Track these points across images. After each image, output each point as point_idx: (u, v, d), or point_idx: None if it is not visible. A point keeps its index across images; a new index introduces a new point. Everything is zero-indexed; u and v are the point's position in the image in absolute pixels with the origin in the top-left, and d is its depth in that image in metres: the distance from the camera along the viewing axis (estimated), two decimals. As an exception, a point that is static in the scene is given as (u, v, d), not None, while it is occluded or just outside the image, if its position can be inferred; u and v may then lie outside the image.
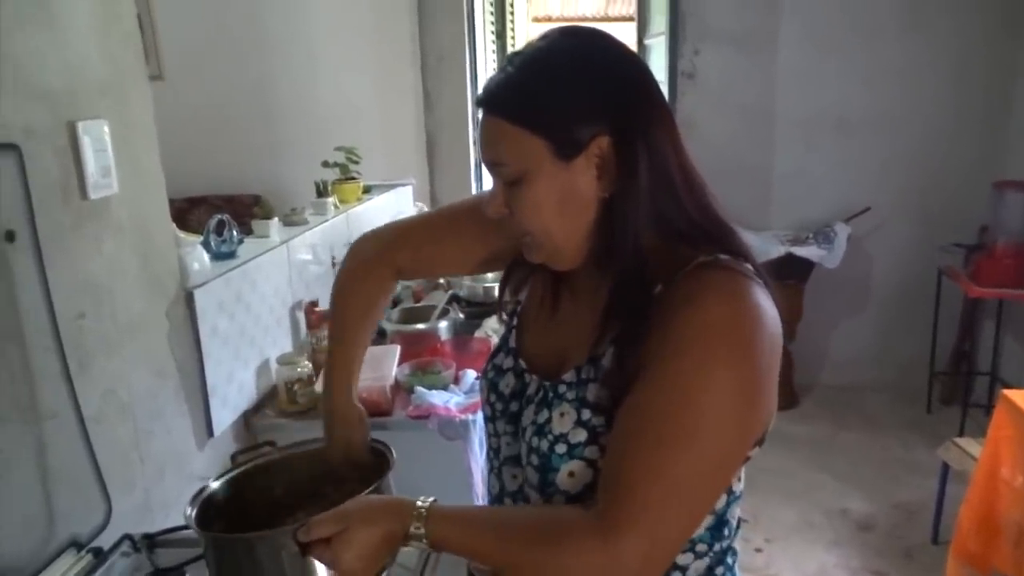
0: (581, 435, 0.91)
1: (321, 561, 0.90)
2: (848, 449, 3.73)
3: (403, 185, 3.46)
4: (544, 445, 0.93)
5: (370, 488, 1.03)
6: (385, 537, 0.88)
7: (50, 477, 1.27)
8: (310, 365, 2.09)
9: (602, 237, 0.92)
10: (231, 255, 2.05)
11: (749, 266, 0.91)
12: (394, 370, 2.11)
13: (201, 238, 1.87)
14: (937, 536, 2.96)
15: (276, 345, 2.20)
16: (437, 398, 1.96)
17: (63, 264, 1.36)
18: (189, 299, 1.77)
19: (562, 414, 0.93)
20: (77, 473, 1.34)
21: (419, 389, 2.00)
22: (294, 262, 2.33)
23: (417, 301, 2.82)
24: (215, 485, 1.13)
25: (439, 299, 2.63)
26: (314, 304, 2.32)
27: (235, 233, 2.08)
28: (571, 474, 0.92)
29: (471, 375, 2.10)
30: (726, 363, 0.82)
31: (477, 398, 2.00)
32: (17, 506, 1.20)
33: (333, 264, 2.61)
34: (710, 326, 0.83)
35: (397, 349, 2.21)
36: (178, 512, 1.68)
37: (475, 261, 1.17)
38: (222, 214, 2.07)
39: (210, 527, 1.06)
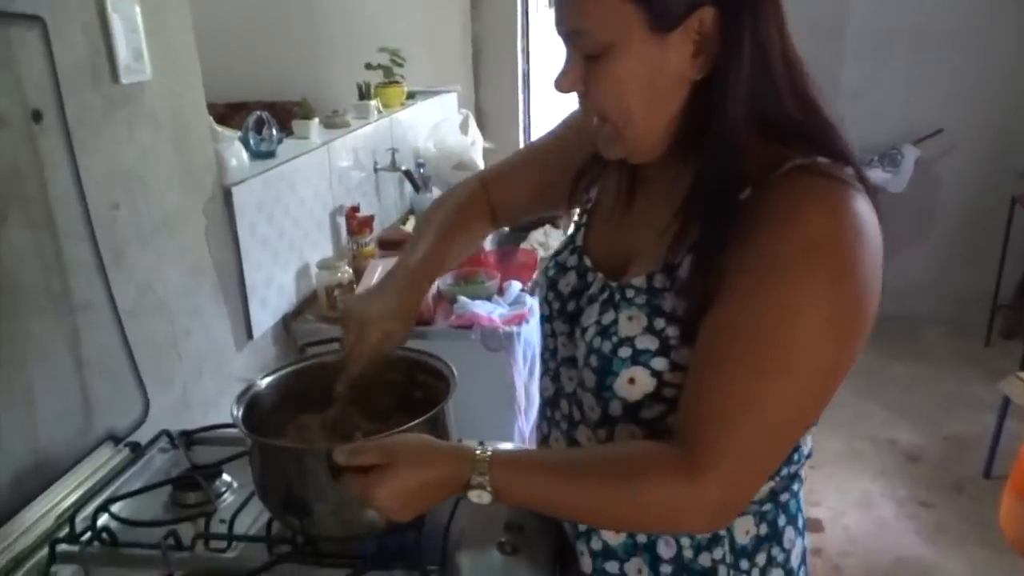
0: (650, 343, 0.83)
1: (348, 492, 0.83)
2: (900, 380, 3.61)
3: (448, 92, 3.33)
4: (606, 347, 0.85)
5: (430, 414, 0.95)
6: (435, 483, 0.81)
7: (86, 368, 1.24)
8: (351, 271, 2.04)
9: (689, 126, 0.81)
10: (270, 154, 1.98)
11: (850, 170, 0.79)
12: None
13: (239, 133, 1.79)
14: (990, 470, 2.87)
15: (316, 249, 2.14)
16: (480, 308, 1.89)
17: (94, 150, 1.29)
18: (227, 197, 1.71)
19: (630, 318, 0.85)
20: (113, 366, 1.31)
21: (462, 298, 1.93)
22: (335, 166, 2.25)
23: (460, 212, 2.73)
24: (263, 383, 1.08)
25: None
26: (355, 209, 2.25)
27: (274, 132, 1.99)
28: (631, 380, 0.84)
29: (516, 287, 2.03)
30: (826, 283, 0.74)
31: (522, 310, 1.93)
32: (53, 396, 1.18)
33: (375, 170, 2.53)
34: (810, 242, 0.74)
35: (439, 258, 2.13)
36: (217, 411, 1.67)
37: (565, 188, 1.06)
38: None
39: (256, 426, 1.02)
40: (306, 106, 2.25)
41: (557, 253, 1.03)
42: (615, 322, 0.86)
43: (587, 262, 0.97)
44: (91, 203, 1.26)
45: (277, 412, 1.09)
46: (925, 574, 2.47)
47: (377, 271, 2.03)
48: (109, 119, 1.34)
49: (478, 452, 0.81)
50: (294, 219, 2.01)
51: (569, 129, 1.08)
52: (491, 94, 4.21)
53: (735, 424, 0.75)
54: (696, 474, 0.75)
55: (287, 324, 2.00)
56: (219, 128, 1.70)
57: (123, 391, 1.32)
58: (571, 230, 1.05)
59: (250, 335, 1.81)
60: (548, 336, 1.02)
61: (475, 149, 2.94)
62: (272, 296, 1.91)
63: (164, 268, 1.49)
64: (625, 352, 0.84)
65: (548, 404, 1.03)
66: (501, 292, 2.02)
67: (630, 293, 0.87)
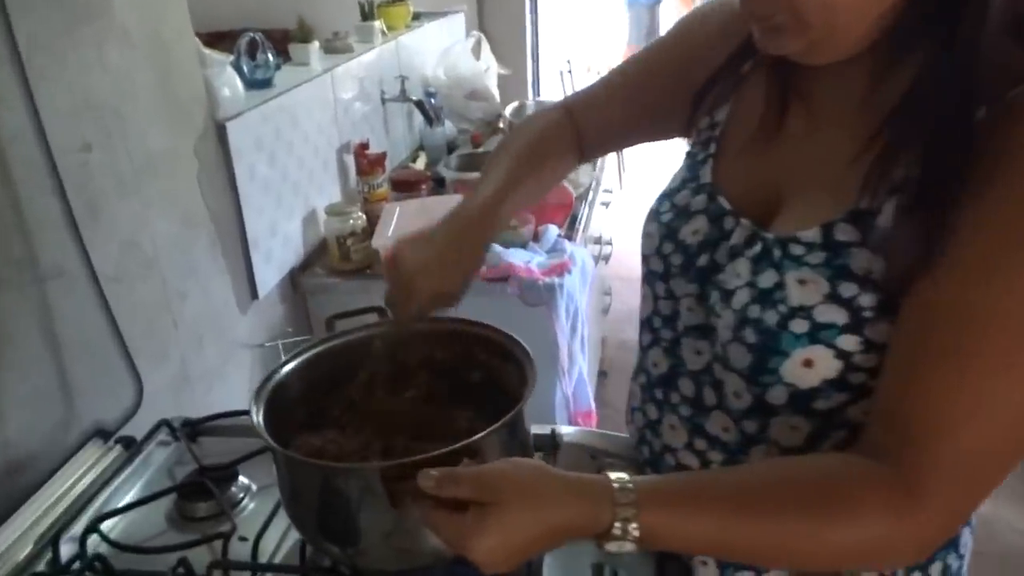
0: (837, 315, 0.61)
1: (438, 533, 0.61)
2: None
3: (454, 13, 3.01)
4: (770, 318, 0.64)
5: (510, 415, 0.73)
6: (558, 530, 0.59)
7: (63, 349, 1.01)
8: (363, 216, 1.79)
9: (914, 14, 0.58)
10: (267, 83, 1.70)
11: None
12: (461, 224, 1.80)
13: (231, 57, 1.52)
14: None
15: (323, 193, 1.89)
16: (516, 257, 1.66)
17: (55, 78, 1.03)
18: (221, 133, 1.45)
19: (802, 281, 0.63)
20: (96, 343, 1.08)
21: (494, 247, 1.69)
22: (339, 98, 1.97)
23: (477, 146, 2.47)
24: (285, 370, 0.85)
25: (504, 143, 2.27)
26: (364, 146, 1.99)
27: (270, 56, 1.72)
28: (808, 363, 0.63)
29: (552, 232, 1.79)
30: None
31: (562, 258, 1.70)
32: (24, 385, 0.95)
33: (383, 101, 2.25)
34: None
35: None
36: (222, 384, 1.45)
37: (677, 108, 0.84)
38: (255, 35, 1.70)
39: (284, 425, 0.81)
40: (304, 27, 1.96)
41: (670, 193, 0.81)
42: (780, 286, 0.65)
43: (723, 203, 0.75)
44: (55, 145, 1.01)
45: (302, 404, 0.88)
46: None
47: (394, 216, 1.79)
48: (71, 39, 1.07)
49: (616, 485, 0.59)
50: (298, 158, 1.75)
51: (684, 38, 0.84)
52: (496, 16, 3.87)
53: (966, 436, 0.57)
54: (915, 504, 0.58)
55: (295, 280, 1.77)
56: (207, 51, 1.43)
57: (110, 373, 1.09)
58: (687, 161, 0.82)
59: (255, 294, 1.58)
60: (661, 298, 0.81)
61: (489, 76, 2.65)
62: (277, 248, 1.67)
63: (151, 221, 1.25)
64: (801, 326, 0.63)
65: (660, 383, 0.82)
66: (536, 238, 1.79)
67: (798, 250, 0.65)
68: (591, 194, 2.20)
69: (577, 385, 1.76)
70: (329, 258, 1.80)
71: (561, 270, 1.64)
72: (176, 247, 1.32)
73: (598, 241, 2.35)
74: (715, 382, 0.74)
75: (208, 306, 1.42)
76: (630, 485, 0.60)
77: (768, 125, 0.72)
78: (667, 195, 0.81)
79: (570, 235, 1.88)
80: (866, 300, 0.60)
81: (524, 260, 1.66)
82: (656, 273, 0.81)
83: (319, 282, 1.78)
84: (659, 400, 0.83)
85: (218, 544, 0.84)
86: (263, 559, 0.86)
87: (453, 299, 0.84)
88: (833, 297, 0.61)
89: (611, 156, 3.73)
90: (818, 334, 0.62)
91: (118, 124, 1.16)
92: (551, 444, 0.98)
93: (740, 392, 0.71)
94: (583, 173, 2.24)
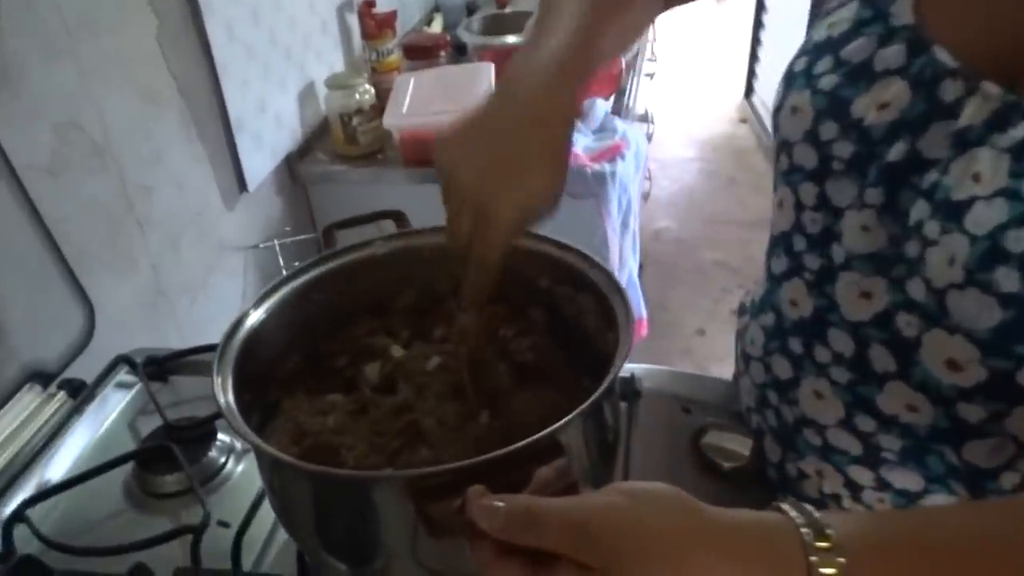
0: None
1: None
2: None
3: None
4: None
5: (602, 387, 0.48)
6: None
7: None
8: (372, 90, 1.49)
9: None
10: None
11: None
12: (489, 98, 1.49)
13: None
14: None
15: (322, 61, 1.58)
16: (558, 139, 1.35)
17: None
18: (186, -20, 1.14)
19: None
20: (26, 259, 0.82)
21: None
22: (336, -60, 1.62)
23: (502, 6, 2.11)
24: (264, 307, 0.60)
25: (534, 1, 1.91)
26: (370, 4, 1.65)
27: None
28: None
29: (600, 107, 1.48)
30: None
31: (613, 140, 1.40)
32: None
33: (389, -52, 1.88)
34: None
35: (490, 69, 1.56)
36: (207, 296, 1.20)
37: None
38: None
39: (266, 382, 0.57)
40: None
41: (832, 44, 0.53)
42: None
43: (941, 56, 0.47)
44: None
45: (293, 350, 0.63)
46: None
47: (408, 89, 1.48)
48: None
49: (804, 529, 0.35)
50: (289, 17, 1.43)
51: None
52: None
53: None
54: None
55: (292, 168, 1.49)
56: None
57: (47, 296, 0.84)
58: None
59: (243, 186, 1.31)
60: (810, 208, 0.56)
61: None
62: (268, 129, 1.38)
63: (95, 95, 0.96)
64: None
65: (799, 330, 0.58)
66: (580, 114, 1.48)
67: None
68: (638, 62, 1.87)
69: (628, 290, 1.50)
70: (332, 141, 1.51)
71: (612, 154, 1.35)
72: (135, 129, 1.04)
73: (644, 119, 2.03)
74: (896, 340, 0.50)
75: (184, 202, 1.16)
76: (828, 528, 0.36)
77: None
78: (825, 47, 0.53)
79: (617, 111, 1.57)
80: None
81: (568, 142, 1.36)
82: (803, 169, 0.55)
83: (321, 170, 1.49)
84: (796, 355, 0.58)
85: (188, 540, 0.61)
86: (250, 556, 0.63)
87: (548, 213, 0.55)
88: None
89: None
90: None
91: (34, -42, 0.86)
92: (630, 393, 0.73)
93: (965, 362, 0.46)
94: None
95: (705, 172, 3.25)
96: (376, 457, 0.56)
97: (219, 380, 0.51)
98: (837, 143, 0.52)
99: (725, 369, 0.80)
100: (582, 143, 1.38)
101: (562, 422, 0.45)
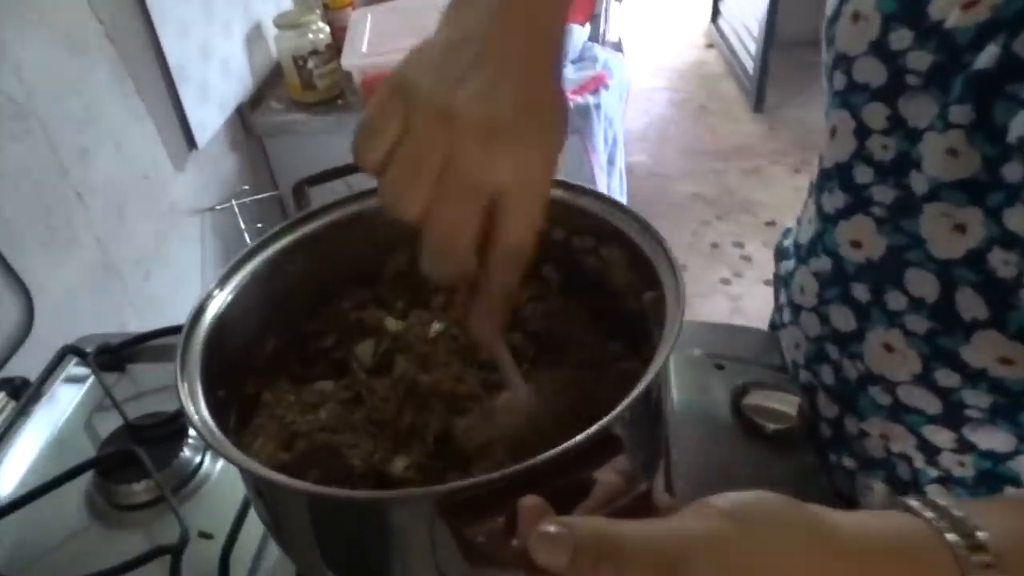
0: None
1: None
2: None
3: None
4: None
5: (654, 367, 0.39)
6: None
7: None
8: (326, 29, 1.35)
9: None
10: None
11: None
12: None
13: None
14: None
15: (268, -1, 1.43)
16: (535, 72, 1.24)
17: None
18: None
19: None
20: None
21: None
22: None
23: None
24: (222, 296, 0.50)
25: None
26: (315, -68, 1.50)
27: None
28: None
29: (579, 33, 1.37)
30: None
31: (594, 69, 1.29)
32: None
33: None
34: None
35: None
36: (162, 268, 1.09)
37: None
38: None
39: (242, 369, 0.47)
40: None
41: None
42: None
43: None
44: None
45: (269, 332, 0.54)
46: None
47: (366, 27, 1.35)
48: None
49: (951, 537, 0.28)
50: (226, -50, 1.28)
51: None
52: None
53: None
54: None
55: (246, 119, 1.36)
56: None
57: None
58: None
59: (192, 143, 1.18)
60: (878, 132, 0.48)
61: None
62: (214, 78, 1.24)
63: (8, 43, 0.83)
64: None
65: (865, 274, 0.51)
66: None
67: None
68: (609, -15, 1.74)
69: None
70: (287, 88, 1.38)
71: (596, 85, 1.25)
72: (60, 84, 0.91)
73: (618, 47, 1.92)
74: (989, 282, 0.42)
75: (126, 165, 1.03)
76: (980, 532, 0.28)
77: None
78: None
79: (594, 38, 1.45)
80: None
81: (546, 75, 1.25)
82: (867, 87, 0.47)
83: (277, 120, 1.37)
84: (862, 303, 0.51)
85: (167, 563, 0.53)
86: (240, 570, 0.55)
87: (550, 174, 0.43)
88: None
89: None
90: None
91: None
92: (654, 352, 0.65)
93: None
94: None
95: (674, 102, 3.15)
96: (385, 450, 0.47)
97: (185, 387, 0.41)
98: (912, 53, 0.44)
99: (708, 304, 0.72)
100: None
101: (622, 407, 0.37)
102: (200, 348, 0.45)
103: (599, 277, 0.54)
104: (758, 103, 2.92)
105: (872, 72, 0.46)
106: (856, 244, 0.50)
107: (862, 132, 0.48)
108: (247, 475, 0.43)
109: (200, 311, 0.47)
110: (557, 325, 0.54)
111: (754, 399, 0.60)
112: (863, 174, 0.49)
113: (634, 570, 0.27)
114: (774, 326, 0.70)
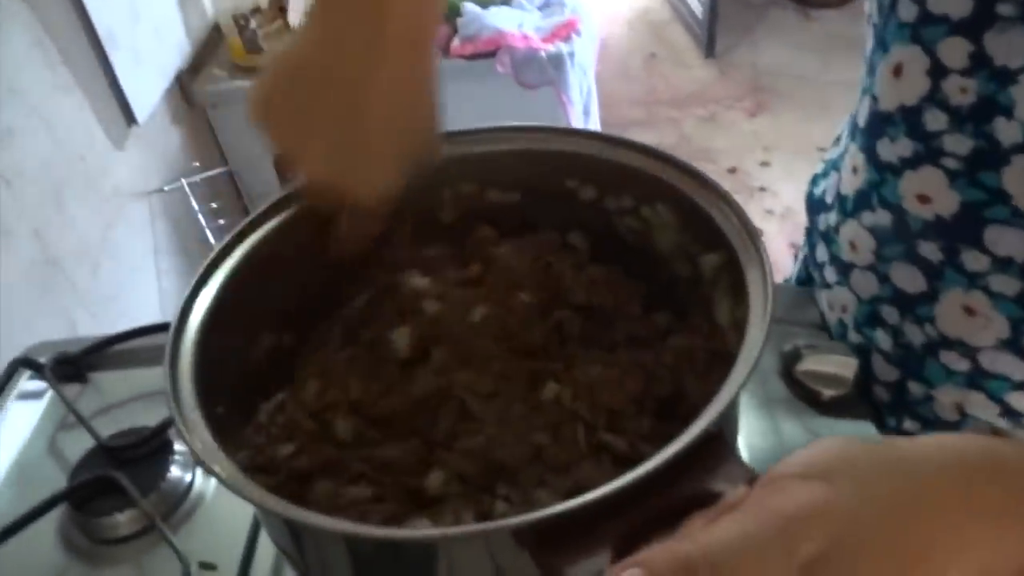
0: None
1: None
2: None
3: None
4: None
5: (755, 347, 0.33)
6: None
7: None
8: (268, -16, 1.24)
9: None
10: None
11: None
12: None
13: None
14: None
15: (199, -46, 1.30)
16: (502, 20, 1.16)
17: None
18: None
19: None
20: None
21: (468, 7, 1.19)
22: None
23: None
24: (205, 299, 0.41)
25: None
26: None
27: None
28: None
29: (542, -23, 1.28)
30: None
31: (563, 15, 1.21)
32: None
33: None
34: None
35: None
36: (111, 260, 0.99)
37: None
38: None
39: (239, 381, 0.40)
40: None
41: None
42: None
43: None
44: None
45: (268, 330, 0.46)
46: None
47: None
48: None
49: None
50: (148, -102, 1.15)
51: None
52: None
53: None
54: None
55: (186, 89, 1.24)
56: None
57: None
58: None
59: (131, 117, 1.06)
60: (956, 71, 0.42)
61: None
62: (147, 43, 1.13)
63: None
64: None
65: (936, 232, 0.46)
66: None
67: None
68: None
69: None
70: (229, 51, 1.26)
71: (567, 32, 1.17)
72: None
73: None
74: None
75: (58, 145, 0.92)
76: None
77: None
78: None
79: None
80: None
81: (514, 25, 1.17)
82: (946, 20, 0.41)
83: (221, 89, 1.26)
84: (933, 262, 0.45)
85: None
86: (255, 605, 0.48)
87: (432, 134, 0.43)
88: None
89: None
90: None
91: None
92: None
93: None
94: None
95: (624, 50, 3.07)
96: (416, 460, 0.40)
97: (170, 389, 0.34)
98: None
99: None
100: (530, 23, 1.19)
101: (725, 401, 0.31)
102: (191, 350, 0.38)
103: (640, 241, 0.48)
104: (709, 48, 2.87)
105: (953, 1, 0.40)
106: (924, 199, 0.45)
107: (938, 72, 0.42)
108: (272, 515, 0.36)
109: (187, 308, 0.39)
110: (601, 297, 0.48)
111: (809, 365, 0.55)
112: (935, 120, 0.43)
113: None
114: (800, 282, 0.65)
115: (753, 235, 0.39)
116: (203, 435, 0.34)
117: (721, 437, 0.31)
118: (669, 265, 0.46)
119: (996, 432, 0.28)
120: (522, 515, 0.28)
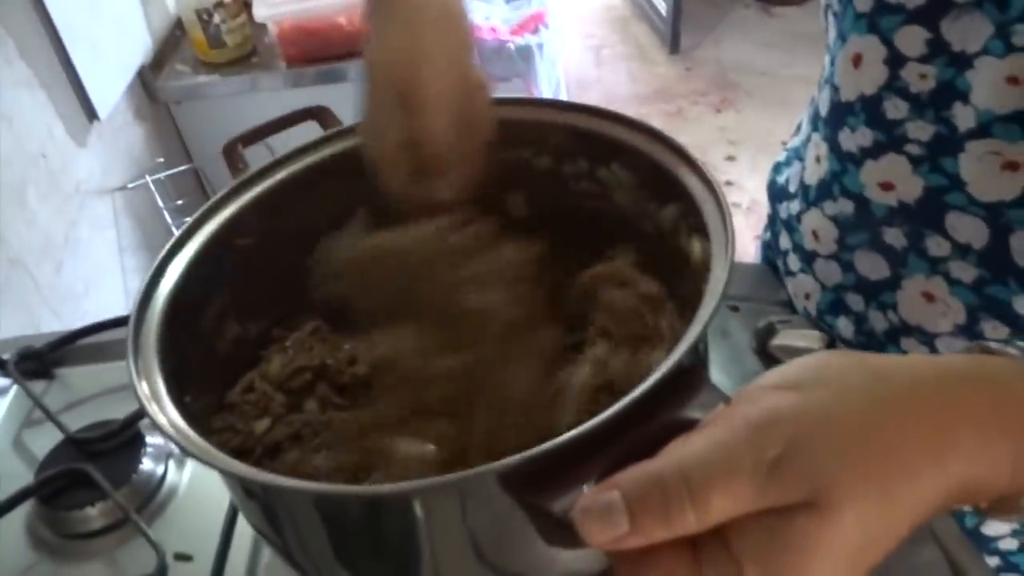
0: None
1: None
2: None
3: None
4: None
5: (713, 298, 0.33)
6: (936, 502, 0.24)
7: None
8: (231, -23, 1.22)
9: None
10: None
11: None
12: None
13: None
14: None
15: (159, -52, 1.28)
16: (470, 12, 1.16)
17: None
18: None
19: None
20: None
21: (435, 0, 1.18)
22: None
23: None
24: (173, 276, 0.41)
25: None
26: None
27: None
28: None
29: (507, -30, 1.28)
30: None
31: (530, 7, 1.22)
32: None
33: None
34: None
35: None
36: (74, 258, 0.97)
37: None
38: None
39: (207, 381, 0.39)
40: None
41: None
42: None
43: None
44: None
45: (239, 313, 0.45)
46: None
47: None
48: None
49: None
50: None
51: None
52: None
53: None
54: None
55: (149, 85, 1.22)
56: None
57: None
58: None
59: (93, 113, 1.04)
60: (914, 60, 0.42)
61: None
62: (108, 37, 1.11)
63: None
64: None
65: (900, 217, 0.47)
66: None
67: None
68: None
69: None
70: (192, 46, 1.24)
71: (536, 23, 1.17)
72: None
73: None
74: None
75: (18, 142, 0.90)
76: None
77: None
78: None
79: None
80: None
81: (482, 16, 1.16)
82: (902, 8, 0.41)
83: (185, 84, 1.24)
84: (896, 249, 0.46)
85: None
86: (233, 594, 0.47)
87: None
88: None
89: None
90: None
91: None
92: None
93: None
94: None
95: (588, 48, 3.09)
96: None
97: (144, 386, 0.33)
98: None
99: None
100: (497, 15, 1.19)
101: (696, 332, 0.31)
102: (155, 339, 0.37)
103: (597, 205, 0.47)
104: (674, 45, 2.90)
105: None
106: (887, 186, 0.46)
107: (896, 61, 0.43)
108: (233, 480, 0.35)
109: (147, 297, 0.39)
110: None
111: (783, 339, 0.55)
112: (895, 108, 0.44)
113: (716, 491, 0.23)
114: (767, 268, 0.66)
115: (711, 180, 0.39)
116: (171, 413, 0.33)
117: (695, 369, 0.31)
118: (629, 225, 0.46)
119: (988, 350, 0.27)
120: (507, 460, 0.28)
